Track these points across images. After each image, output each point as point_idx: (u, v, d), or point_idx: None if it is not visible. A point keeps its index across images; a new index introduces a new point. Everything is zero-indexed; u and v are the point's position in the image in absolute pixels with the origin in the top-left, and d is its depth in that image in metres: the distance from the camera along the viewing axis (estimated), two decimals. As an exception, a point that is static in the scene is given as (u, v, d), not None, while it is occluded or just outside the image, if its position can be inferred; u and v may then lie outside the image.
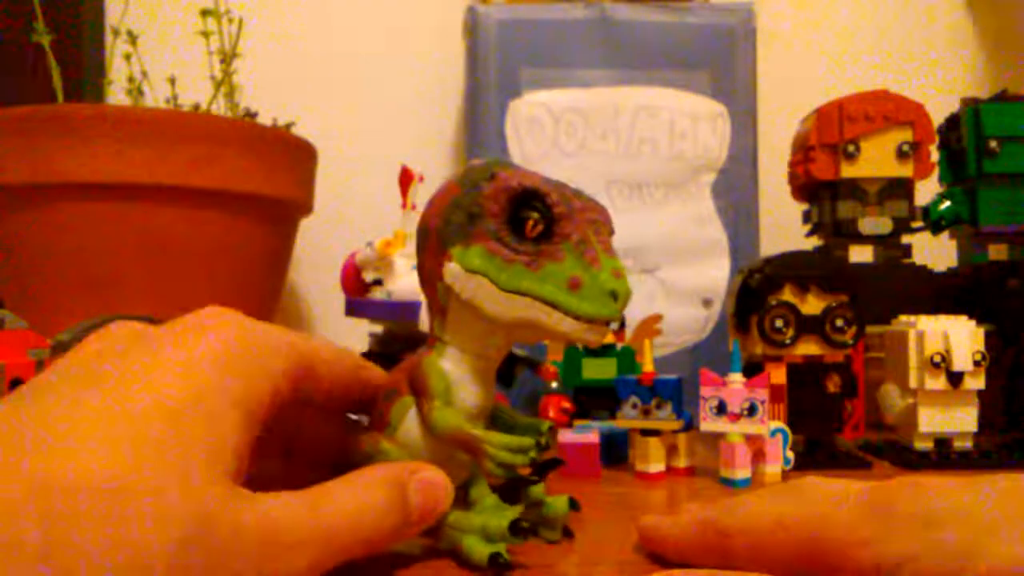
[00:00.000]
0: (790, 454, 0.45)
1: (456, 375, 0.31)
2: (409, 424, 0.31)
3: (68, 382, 0.18)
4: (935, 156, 0.62)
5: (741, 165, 0.72)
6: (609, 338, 0.52)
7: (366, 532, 0.23)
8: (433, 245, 0.31)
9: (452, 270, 0.30)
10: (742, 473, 0.43)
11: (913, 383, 0.47)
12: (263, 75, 0.82)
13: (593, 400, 0.53)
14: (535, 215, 0.29)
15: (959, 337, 0.46)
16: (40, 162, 0.58)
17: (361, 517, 0.22)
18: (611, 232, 0.31)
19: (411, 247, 0.56)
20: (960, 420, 0.47)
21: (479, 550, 0.29)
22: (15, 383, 0.34)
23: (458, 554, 0.29)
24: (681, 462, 0.46)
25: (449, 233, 0.30)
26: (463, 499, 0.32)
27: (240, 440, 0.19)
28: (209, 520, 0.16)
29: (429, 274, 0.31)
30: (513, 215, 0.29)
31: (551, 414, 0.53)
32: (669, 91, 0.72)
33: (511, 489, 0.31)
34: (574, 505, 0.34)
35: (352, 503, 0.22)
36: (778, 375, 0.47)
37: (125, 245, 0.60)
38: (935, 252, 0.66)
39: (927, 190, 0.63)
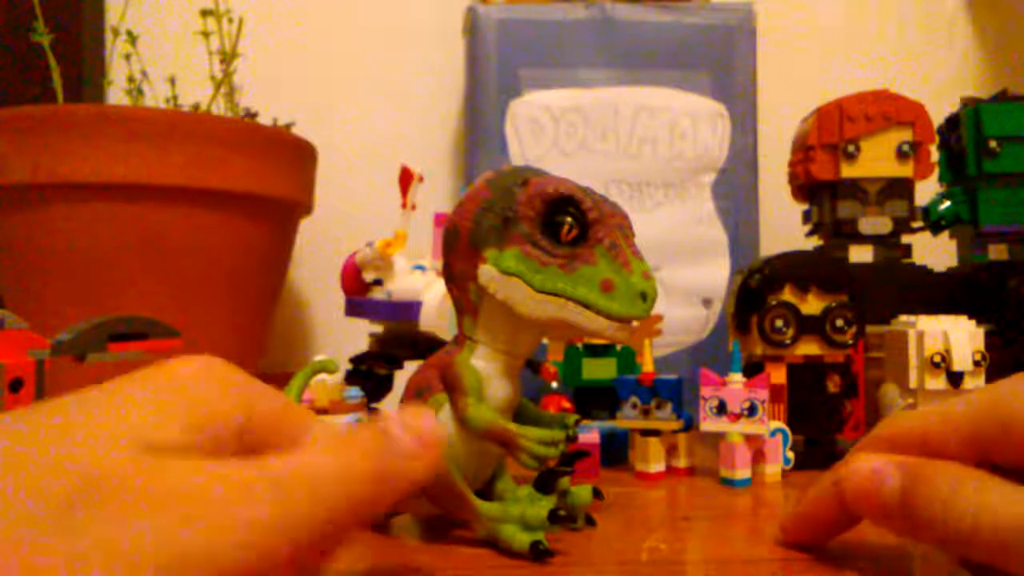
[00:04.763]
0: (790, 454, 0.45)
1: (487, 372, 0.33)
2: (443, 420, 0.32)
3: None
4: (935, 156, 0.62)
5: (741, 165, 0.72)
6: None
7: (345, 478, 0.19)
8: (463, 247, 0.32)
9: (487, 272, 0.31)
10: (742, 473, 0.43)
11: (913, 383, 0.47)
12: (263, 75, 0.82)
13: (593, 400, 0.53)
14: (570, 220, 0.31)
15: (959, 337, 0.46)
16: (40, 162, 0.58)
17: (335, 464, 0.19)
18: (634, 234, 0.33)
19: (411, 247, 0.56)
20: (960, 420, 0.47)
21: (520, 538, 0.30)
22: (15, 383, 0.34)
23: (497, 543, 0.31)
24: (681, 462, 0.46)
25: (482, 236, 0.31)
26: (490, 493, 0.35)
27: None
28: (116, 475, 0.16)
29: (460, 275, 0.33)
30: (548, 219, 0.31)
31: (551, 414, 0.53)
32: (669, 91, 0.72)
33: (545, 480, 0.33)
34: (598, 494, 0.35)
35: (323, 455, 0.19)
36: (778, 375, 0.47)
37: (125, 245, 0.60)
38: (935, 252, 0.66)
39: (927, 190, 0.63)
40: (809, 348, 0.47)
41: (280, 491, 0.17)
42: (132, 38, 0.70)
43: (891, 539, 0.33)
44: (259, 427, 0.20)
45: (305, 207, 0.73)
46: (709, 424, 0.43)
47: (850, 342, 0.47)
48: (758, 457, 0.44)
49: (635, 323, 0.31)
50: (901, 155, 0.60)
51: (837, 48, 0.92)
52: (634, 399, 0.46)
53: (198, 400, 0.19)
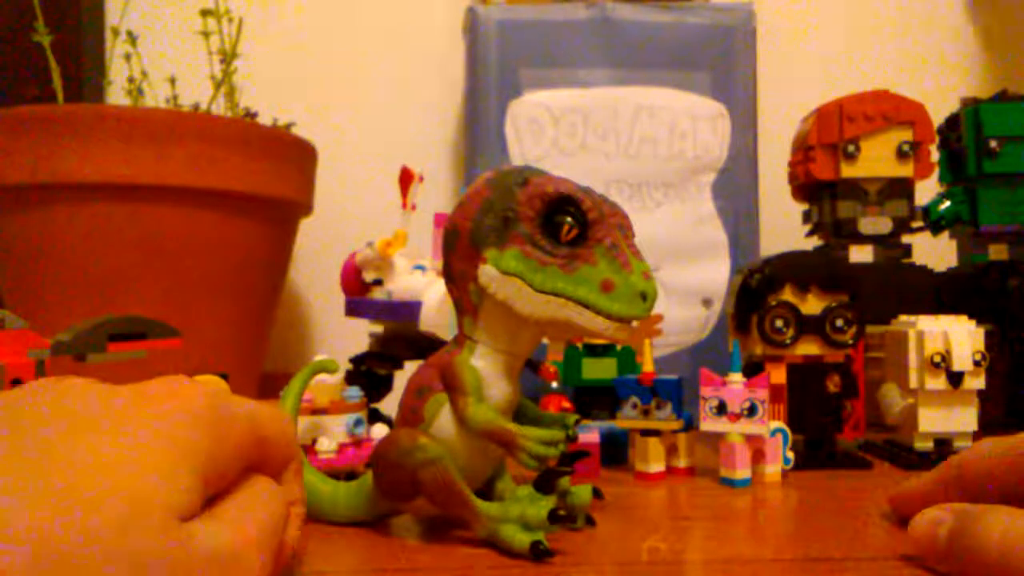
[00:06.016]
0: (790, 454, 0.45)
1: (487, 372, 0.32)
2: (443, 419, 0.32)
3: (60, 430, 0.19)
4: (935, 156, 0.62)
5: (741, 165, 0.72)
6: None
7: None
8: (464, 247, 0.32)
9: (487, 272, 0.31)
10: (742, 473, 0.43)
11: (913, 383, 0.47)
12: (263, 75, 0.82)
13: (593, 400, 0.53)
14: (570, 220, 0.30)
15: (959, 337, 0.46)
16: (40, 162, 0.58)
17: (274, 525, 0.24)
18: (633, 234, 0.33)
19: (411, 247, 0.56)
20: (960, 420, 0.47)
21: (520, 538, 0.30)
22: (15, 383, 0.34)
23: (497, 543, 0.31)
24: (681, 462, 0.46)
25: (482, 236, 0.31)
26: (490, 493, 0.35)
27: (192, 487, 0.20)
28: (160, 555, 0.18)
29: (460, 275, 0.33)
30: (547, 219, 0.31)
31: (551, 414, 0.53)
32: (669, 91, 0.72)
33: (545, 480, 0.33)
34: (598, 494, 0.35)
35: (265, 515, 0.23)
36: (778, 375, 0.47)
37: (125, 245, 0.60)
38: (935, 252, 0.66)
39: (927, 190, 0.63)
40: (809, 348, 0.47)
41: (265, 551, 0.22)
42: (132, 38, 0.70)
43: (891, 542, 0.33)
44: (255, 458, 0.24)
45: (305, 207, 0.73)
46: (709, 424, 0.43)
47: (850, 342, 0.47)
48: (758, 457, 0.44)
49: (635, 323, 0.31)
50: (901, 155, 0.60)
51: (837, 48, 0.92)
52: (634, 399, 0.46)
53: (205, 460, 0.21)
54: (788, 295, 0.47)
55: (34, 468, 0.18)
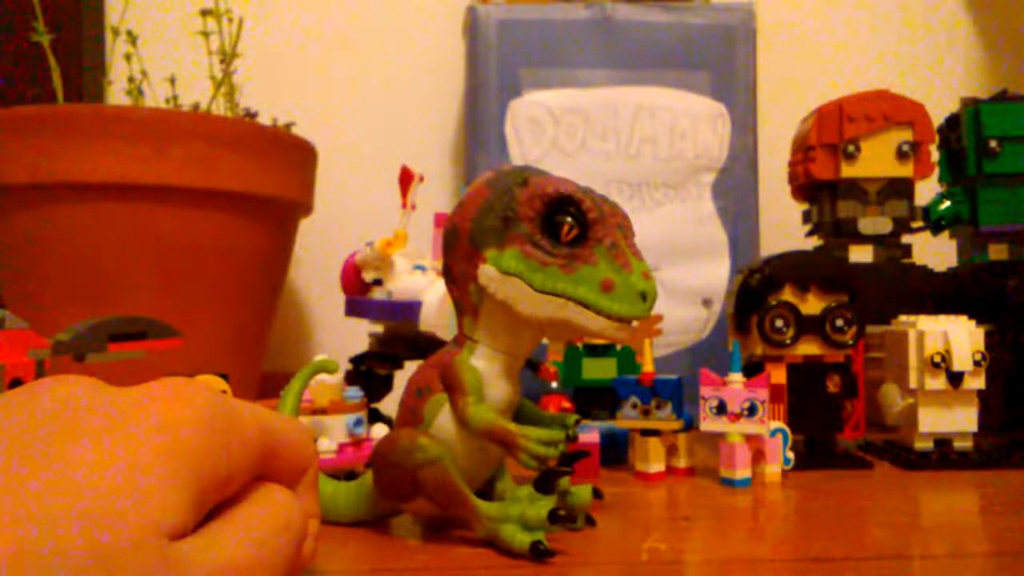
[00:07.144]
0: (790, 454, 0.45)
1: (487, 372, 0.33)
2: (443, 420, 0.32)
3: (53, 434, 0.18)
4: (935, 156, 0.62)
5: (741, 165, 0.72)
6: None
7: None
8: (464, 247, 0.32)
9: (487, 272, 0.31)
10: (742, 473, 0.43)
11: (913, 383, 0.47)
12: (263, 75, 0.82)
13: (593, 400, 0.53)
14: (570, 220, 0.30)
15: (959, 337, 0.46)
16: (40, 162, 0.58)
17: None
18: (633, 234, 0.33)
19: (411, 247, 0.56)
20: (960, 420, 0.47)
21: (520, 538, 0.30)
22: (15, 383, 0.34)
23: (497, 543, 0.31)
24: (681, 462, 0.46)
25: (482, 236, 0.31)
26: (490, 493, 0.35)
27: (183, 506, 0.18)
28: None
29: (460, 275, 0.33)
30: (547, 219, 0.31)
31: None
32: (669, 91, 0.72)
33: (545, 480, 0.33)
34: (598, 494, 0.35)
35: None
36: (778, 375, 0.47)
37: (125, 245, 0.60)
38: (935, 252, 0.66)
39: (927, 190, 0.63)
40: (809, 348, 0.47)
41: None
42: (132, 38, 0.70)
43: (891, 542, 0.33)
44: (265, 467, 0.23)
45: (305, 207, 0.73)
46: (709, 424, 0.43)
47: (850, 342, 0.47)
48: (758, 457, 0.44)
49: (635, 323, 0.31)
50: (901, 155, 0.60)
51: (837, 48, 0.92)
52: (634, 399, 0.46)
53: (202, 471, 0.19)
54: (788, 295, 0.47)
55: (10, 479, 0.16)
